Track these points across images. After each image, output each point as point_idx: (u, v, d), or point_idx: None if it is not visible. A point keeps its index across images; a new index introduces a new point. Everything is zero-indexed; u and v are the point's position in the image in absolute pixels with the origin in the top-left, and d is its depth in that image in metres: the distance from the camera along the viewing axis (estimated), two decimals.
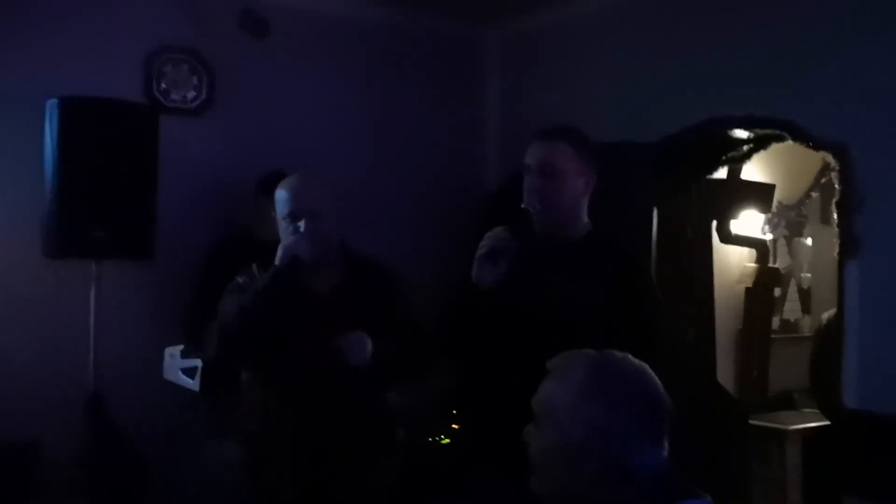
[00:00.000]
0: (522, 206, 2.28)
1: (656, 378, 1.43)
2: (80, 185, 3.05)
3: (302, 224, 2.41)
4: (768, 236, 5.21)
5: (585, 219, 2.38)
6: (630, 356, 1.46)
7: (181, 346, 3.25)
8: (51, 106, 3.07)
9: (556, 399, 1.42)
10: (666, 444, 1.40)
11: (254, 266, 2.51)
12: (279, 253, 2.40)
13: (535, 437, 1.45)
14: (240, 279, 2.51)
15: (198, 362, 3.11)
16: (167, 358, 3.31)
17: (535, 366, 2.02)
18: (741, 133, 3.67)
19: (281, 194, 2.48)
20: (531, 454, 1.45)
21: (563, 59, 4.38)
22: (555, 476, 1.41)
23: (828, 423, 3.94)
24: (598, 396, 1.38)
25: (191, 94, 3.87)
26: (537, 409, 1.46)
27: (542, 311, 2.21)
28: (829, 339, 4.22)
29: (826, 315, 4.41)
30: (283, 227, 2.46)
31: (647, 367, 1.45)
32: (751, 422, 4.59)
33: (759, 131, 3.58)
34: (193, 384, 3.13)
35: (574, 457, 1.37)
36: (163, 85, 3.80)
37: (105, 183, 3.08)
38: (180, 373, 3.21)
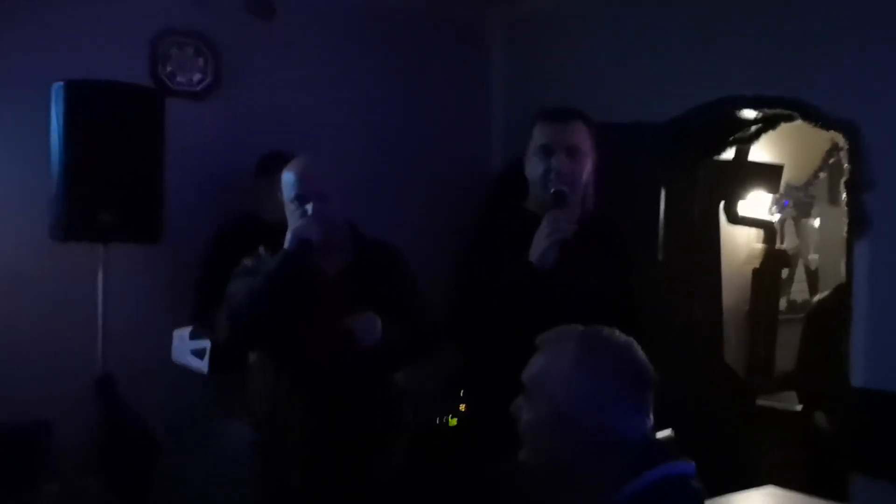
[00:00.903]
0: (555, 187, 2.28)
1: (641, 350, 1.50)
2: (87, 169, 3.05)
3: (310, 207, 2.40)
4: (776, 217, 5.20)
5: None
6: (617, 331, 1.52)
7: (190, 328, 3.26)
8: (57, 89, 3.06)
9: (550, 371, 1.46)
10: (651, 414, 1.46)
11: (261, 249, 2.51)
12: (288, 237, 2.38)
13: (526, 409, 1.49)
14: (247, 262, 2.50)
15: (207, 344, 3.11)
16: (176, 340, 3.32)
17: None
18: (749, 113, 3.65)
19: (288, 177, 2.46)
20: (521, 427, 1.50)
21: (569, 40, 4.35)
22: (546, 446, 1.46)
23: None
24: (590, 367, 1.44)
25: (196, 77, 3.86)
26: (529, 382, 1.50)
27: (574, 293, 2.23)
28: (821, 323, 4.22)
29: (817, 297, 4.43)
30: (291, 211, 2.44)
31: (633, 340, 1.51)
32: (758, 402, 4.60)
33: (768, 111, 3.56)
34: (202, 365, 3.13)
35: (567, 426, 1.42)
36: (168, 67, 3.80)
37: (112, 166, 3.08)
38: (189, 354, 3.21)
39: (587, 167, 2.37)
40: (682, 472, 1.42)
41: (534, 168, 2.36)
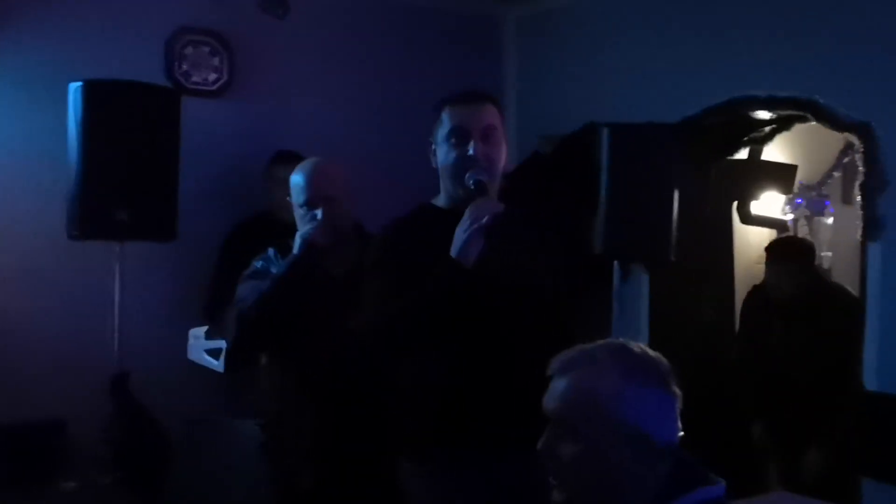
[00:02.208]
0: (475, 178, 2.06)
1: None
2: (104, 168, 3.08)
3: (319, 212, 2.41)
4: (789, 217, 5.18)
5: None
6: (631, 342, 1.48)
7: (205, 328, 3.29)
8: (74, 89, 3.09)
9: (596, 392, 1.39)
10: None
11: (270, 250, 2.52)
12: (296, 241, 2.40)
13: (566, 444, 1.40)
14: (256, 263, 2.52)
15: (222, 344, 3.14)
16: (191, 339, 3.35)
17: (510, 345, 2.00)
18: (763, 114, 3.64)
19: (296, 180, 2.47)
20: (560, 465, 1.41)
21: (582, 38, 4.35)
22: (599, 473, 1.39)
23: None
24: (640, 379, 1.40)
25: (212, 76, 3.88)
26: (566, 412, 1.41)
27: (503, 288, 2.09)
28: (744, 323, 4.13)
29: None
30: (300, 215, 2.46)
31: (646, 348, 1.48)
32: None
33: (781, 112, 3.55)
34: (217, 365, 3.16)
35: (628, 442, 1.36)
36: (184, 66, 3.82)
37: (128, 165, 3.10)
38: (204, 354, 3.24)
39: (503, 152, 2.18)
40: (719, 495, 1.40)
41: (444, 157, 2.14)
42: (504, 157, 2.18)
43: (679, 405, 1.42)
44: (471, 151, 2.09)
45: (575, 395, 1.41)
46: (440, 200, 2.22)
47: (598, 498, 1.40)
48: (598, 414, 1.37)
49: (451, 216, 2.07)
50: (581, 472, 1.39)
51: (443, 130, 2.16)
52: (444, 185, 2.19)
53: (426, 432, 2.14)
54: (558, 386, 1.43)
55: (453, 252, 2.00)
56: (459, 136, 2.11)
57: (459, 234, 2.01)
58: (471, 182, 2.07)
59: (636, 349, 1.45)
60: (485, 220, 1.99)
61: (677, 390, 1.43)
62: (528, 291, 2.10)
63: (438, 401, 2.11)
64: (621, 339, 1.48)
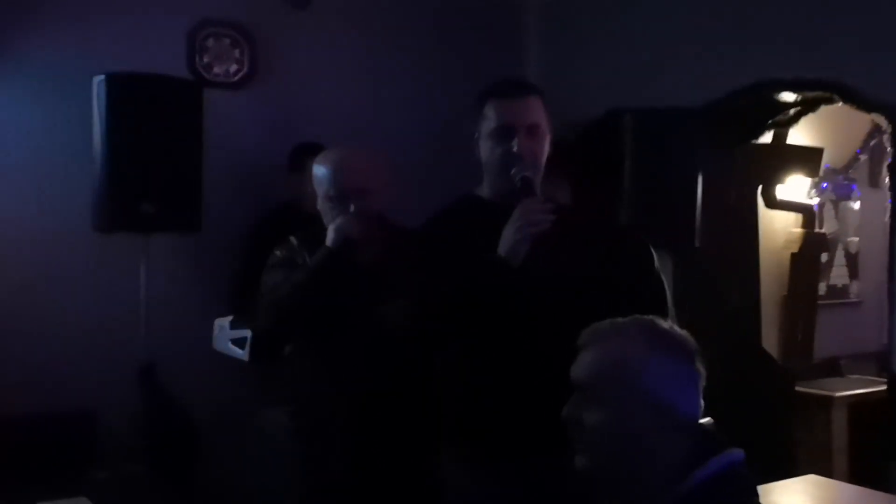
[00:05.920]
0: (522, 174, 2.05)
1: None
2: (128, 161, 3.10)
3: (351, 206, 2.33)
4: (815, 201, 5.13)
5: None
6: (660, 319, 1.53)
7: (230, 318, 3.31)
8: (98, 82, 3.12)
9: (624, 361, 1.45)
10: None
11: (292, 239, 2.49)
12: (330, 234, 2.33)
13: (591, 410, 1.45)
14: (278, 252, 2.48)
15: (247, 333, 3.15)
16: (217, 329, 3.37)
17: (554, 343, 1.83)
18: (788, 96, 3.60)
19: (321, 171, 2.39)
20: (584, 431, 1.46)
21: (605, 23, 4.32)
22: (620, 443, 1.43)
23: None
24: (665, 352, 1.45)
25: (233, 68, 3.90)
26: (592, 380, 1.47)
27: (550, 288, 2.06)
28: None
29: None
30: (328, 207, 2.38)
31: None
32: (797, 388, 4.56)
33: (808, 94, 3.51)
34: (243, 354, 3.18)
35: (649, 411, 1.41)
36: (205, 59, 3.84)
37: (152, 157, 3.13)
38: (230, 343, 3.26)
39: (546, 146, 2.15)
40: (740, 459, 1.44)
41: (489, 152, 2.13)
42: (547, 150, 2.16)
43: (702, 383, 1.47)
44: (515, 148, 2.07)
45: (602, 364, 1.47)
46: (484, 191, 2.21)
47: (620, 465, 1.44)
48: (623, 382, 1.43)
49: (497, 207, 2.07)
50: (604, 439, 1.44)
51: (487, 125, 2.14)
52: (489, 178, 2.18)
53: (461, 425, 2.14)
54: (586, 356, 1.49)
55: (502, 250, 2.00)
56: (503, 132, 2.10)
57: (509, 234, 2.00)
58: (518, 179, 2.06)
59: (664, 325, 1.50)
60: (538, 226, 1.98)
61: (702, 369, 1.47)
62: (569, 295, 2.06)
63: (473, 396, 2.11)
64: (654, 317, 1.51)
